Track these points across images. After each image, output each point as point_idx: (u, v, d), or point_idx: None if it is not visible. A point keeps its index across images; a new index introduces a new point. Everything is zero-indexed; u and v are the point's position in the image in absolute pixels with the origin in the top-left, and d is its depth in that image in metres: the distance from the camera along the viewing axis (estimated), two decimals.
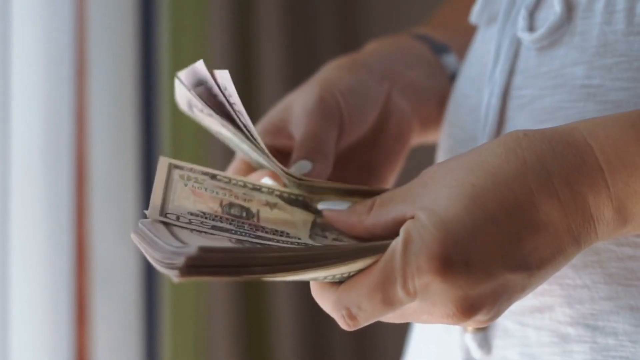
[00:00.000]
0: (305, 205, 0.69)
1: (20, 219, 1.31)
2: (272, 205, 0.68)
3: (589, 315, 0.71)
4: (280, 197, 0.69)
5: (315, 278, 0.63)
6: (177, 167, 0.66)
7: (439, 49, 0.86)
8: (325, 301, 0.64)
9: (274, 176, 0.73)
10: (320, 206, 0.68)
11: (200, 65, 0.69)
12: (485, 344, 0.75)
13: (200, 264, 0.58)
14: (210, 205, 0.65)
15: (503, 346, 0.74)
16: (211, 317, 1.76)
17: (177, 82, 0.71)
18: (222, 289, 1.79)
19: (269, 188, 0.68)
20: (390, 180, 0.82)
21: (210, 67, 1.86)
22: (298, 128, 0.76)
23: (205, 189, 0.66)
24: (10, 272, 1.30)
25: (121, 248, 1.45)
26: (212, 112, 0.68)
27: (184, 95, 0.71)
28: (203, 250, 0.58)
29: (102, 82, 1.47)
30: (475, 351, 0.75)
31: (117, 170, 1.47)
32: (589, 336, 0.71)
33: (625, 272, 0.70)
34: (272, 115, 0.79)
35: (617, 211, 0.63)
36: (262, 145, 0.69)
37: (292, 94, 0.80)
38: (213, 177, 0.67)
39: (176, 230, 0.63)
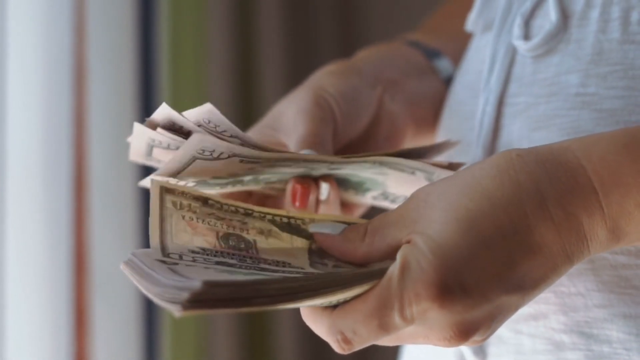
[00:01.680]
0: (298, 229, 0.68)
1: (19, 223, 1.31)
2: (267, 233, 0.67)
3: (583, 323, 0.71)
4: (272, 221, 0.68)
5: (313, 304, 0.63)
6: (168, 191, 0.65)
7: (432, 54, 0.86)
8: (318, 325, 0.64)
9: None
10: (312, 229, 0.68)
11: (171, 113, 0.68)
12: (480, 351, 0.75)
13: (204, 299, 0.57)
14: (208, 239, 0.65)
15: (498, 354, 0.74)
16: (212, 322, 1.76)
17: (136, 131, 0.69)
18: None
19: (260, 212, 0.68)
20: None
21: (211, 68, 1.85)
22: (293, 131, 0.76)
23: (201, 220, 0.65)
24: (8, 277, 1.29)
25: (120, 252, 1.45)
26: (182, 139, 0.67)
27: (142, 141, 0.70)
28: (208, 284, 0.57)
29: (102, 83, 1.47)
30: (471, 358, 0.75)
31: (116, 173, 1.47)
32: (584, 344, 0.71)
33: (619, 280, 0.70)
34: (261, 125, 0.79)
35: (611, 231, 0.63)
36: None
37: (280, 103, 0.80)
38: (205, 202, 0.66)
39: (177, 266, 0.62)
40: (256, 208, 0.68)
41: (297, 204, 0.75)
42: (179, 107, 0.70)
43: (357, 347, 0.63)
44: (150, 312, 1.53)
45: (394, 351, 0.96)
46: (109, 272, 1.43)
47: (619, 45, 0.72)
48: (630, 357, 0.69)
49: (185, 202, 0.65)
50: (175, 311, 0.57)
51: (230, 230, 0.66)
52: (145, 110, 1.56)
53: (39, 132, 1.34)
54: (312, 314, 0.64)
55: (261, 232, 0.67)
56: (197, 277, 0.59)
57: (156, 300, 0.60)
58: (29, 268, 1.32)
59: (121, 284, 1.47)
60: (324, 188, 0.76)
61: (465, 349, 0.75)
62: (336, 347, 0.64)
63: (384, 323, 0.62)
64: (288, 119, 0.78)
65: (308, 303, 0.61)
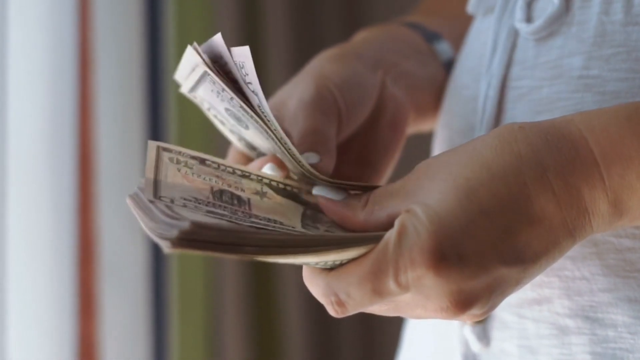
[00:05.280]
0: (294, 195, 0.69)
1: (23, 210, 1.31)
2: (262, 195, 0.68)
3: (587, 307, 0.71)
4: (269, 185, 0.69)
5: (307, 263, 0.63)
6: (165, 149, 0.66)
7: (431, 37, 0.86)
8: (314, 286, 0.64)
9: (278, 163, 0.73)
10: (315, 191, 0.68)
11: (218, 39, 0.67)
12: (484, 336, 0.75)
13: (192, 239, 0.58)
14: (202, 191, 0.66)
15: (501, 338, 0.74)
16: (220, 308, 1.77)
17: (188, 52, 0.68)
18: (231, 279, 1.79)
19: (257, 175, 0.69)
20: (388, 171, 0.82)
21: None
22: (295, 124, 0.75)
23: (197, 175, 0.66)
24: (14, 265, 1.29)
25: (128, 239, 1.45)
26: (224, 86, 0.67)
27: (190, 68, 0.70)
28: (196, 225, 0.58)
29: (108, 69, 1.47)
30: (474, 344, 0.75)
31: (123, 160, 1.48)
32: (588, 328, 0.71)
33: (624, 264, 0.70)
34: None
35: (613, 204, 0.63)
36: (276, 125, 0.68)
37: (283, 89, 0.78)
38: (202, 161, 0.67)
39: (172, 205, 0.63)
40: (254, 171, 0.69)
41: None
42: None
43: (352, 311, 0.63)
44: (158, 298, 1.53)
45: (398, 335, 0.95)
46: (117, 259, 1.44)
47: (622, 27, 0.71)
48: (635, 341, 0.69)
49: (182, 159, 0.66)
50: (165, 247, 0.59)
51: (225, 187, 0.67)
52: (152, 99, 1.56)
53: (44, 119, 1.34)
54: (311, 274, 0.64)
55: (256, 192, 0.68)
56: (188, 218, 0.60)
57: (150, 235, 0.61)
58: (36, 256, 1.32)
59: (129, 271, 1.47)
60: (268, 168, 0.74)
61: (469, 334, 0.75)
62: (330, 310, 0.64)
63: (378, 287, 0.62)
64: (289, 110, 0.76)
65: (300, 259, 0.62)
